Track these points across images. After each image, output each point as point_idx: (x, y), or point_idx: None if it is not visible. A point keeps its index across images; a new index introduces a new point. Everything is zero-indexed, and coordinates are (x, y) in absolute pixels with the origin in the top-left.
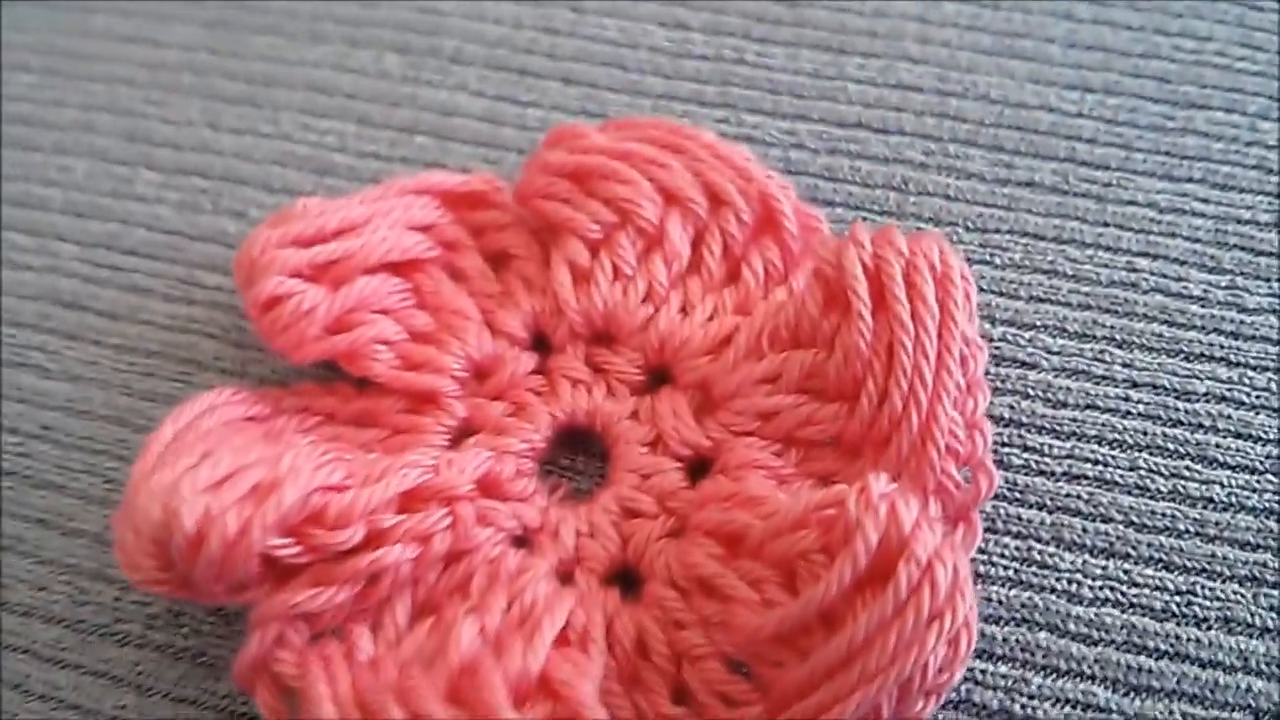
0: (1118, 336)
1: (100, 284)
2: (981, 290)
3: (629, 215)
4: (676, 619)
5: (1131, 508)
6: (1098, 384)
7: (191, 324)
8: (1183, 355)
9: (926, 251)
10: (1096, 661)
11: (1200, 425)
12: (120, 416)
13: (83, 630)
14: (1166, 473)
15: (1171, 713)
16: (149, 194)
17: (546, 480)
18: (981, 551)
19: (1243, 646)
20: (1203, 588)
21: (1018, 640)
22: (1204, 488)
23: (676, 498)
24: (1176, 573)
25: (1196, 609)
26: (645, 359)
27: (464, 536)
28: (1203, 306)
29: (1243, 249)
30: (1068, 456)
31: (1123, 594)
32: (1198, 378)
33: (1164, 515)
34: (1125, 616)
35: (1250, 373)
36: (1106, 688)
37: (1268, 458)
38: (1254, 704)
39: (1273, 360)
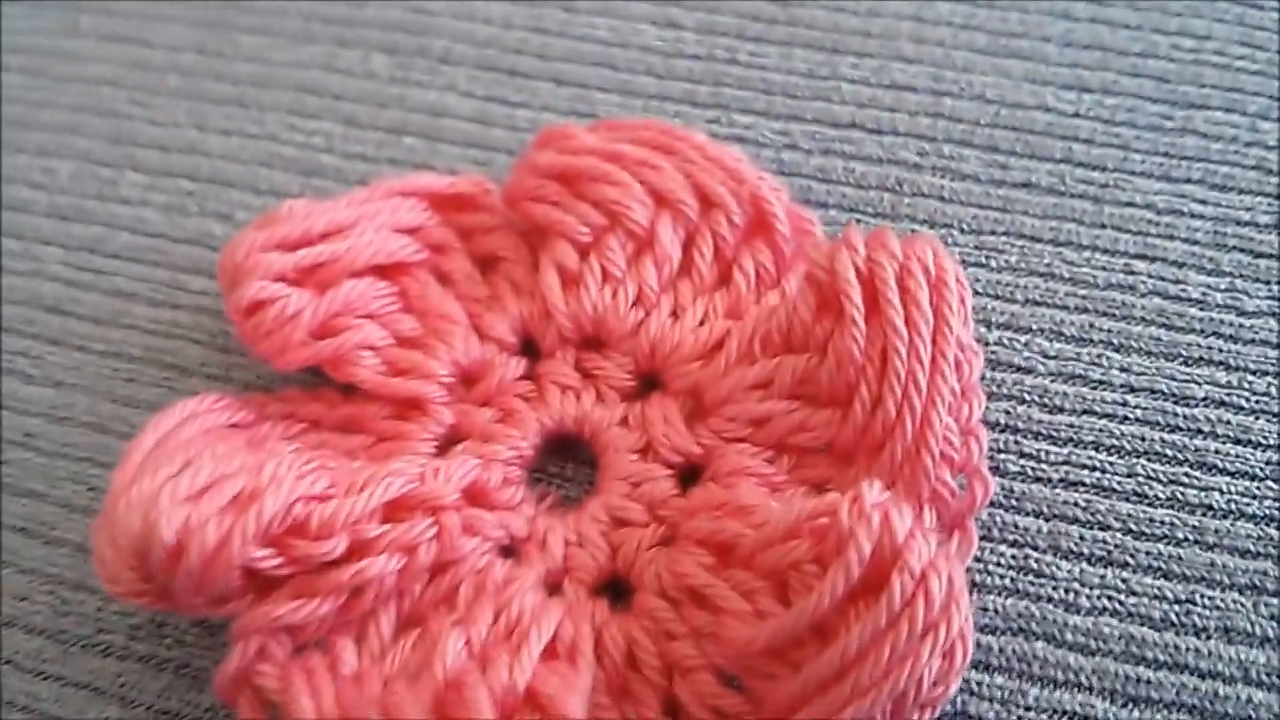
0: (1115, 340)
1: (84, 288)
2: (977, 293)
3: (619, 218)
4: (667, 630)
5: (1129, 515)
6: (1095, 389)
7: (176, 329)
8: (1181, 359)
9: (921, 255)
10: (1094, 672)
11: (1199, 430)
12: (103, 423)
13: (65, 641)
14: (1165, 479)
15: None
16: (134, 196)
17: (534, 488)
18: (977, 560)
19: (1243, 656)
20: (1202, 596)
21: (1014, 651)
22: (1203, 494)
23: (667, 506)
24: (1175, 581)
25: (1196, 618)
26: (635, 364)
27: (450, 547)
28: (1201, 310)
29: (1242, 251)
30: (1064, 463)
31: (1121, 603)
32: (1196, 382)
33: (1162, 522)
34: (1123, 626)
35: (1250, 377)
36: (1105, 699)
37: (1267, 463)
38: (1254, 715)
39: (1272, 364)
